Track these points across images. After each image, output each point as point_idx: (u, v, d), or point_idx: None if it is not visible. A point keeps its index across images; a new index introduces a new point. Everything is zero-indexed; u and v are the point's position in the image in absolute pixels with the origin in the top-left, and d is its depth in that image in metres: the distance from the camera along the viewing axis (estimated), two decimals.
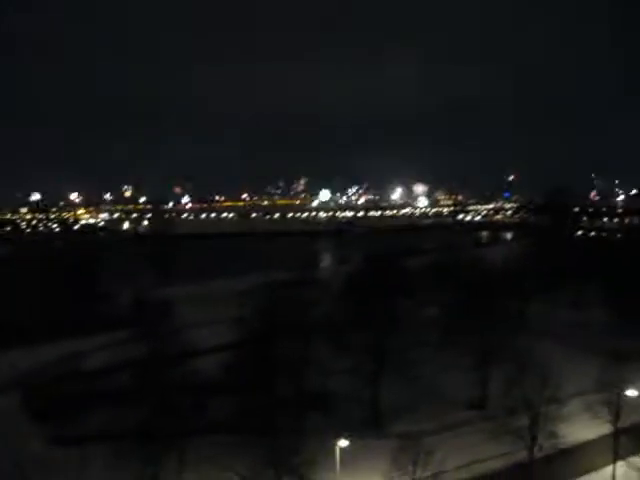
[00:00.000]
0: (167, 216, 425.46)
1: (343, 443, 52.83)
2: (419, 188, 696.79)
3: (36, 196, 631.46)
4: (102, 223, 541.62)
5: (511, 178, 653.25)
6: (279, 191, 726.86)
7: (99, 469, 58.72)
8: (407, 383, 72.55)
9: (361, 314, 77.60)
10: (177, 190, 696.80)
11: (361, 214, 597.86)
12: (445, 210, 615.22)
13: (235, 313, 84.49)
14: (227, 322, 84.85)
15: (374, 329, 73.20)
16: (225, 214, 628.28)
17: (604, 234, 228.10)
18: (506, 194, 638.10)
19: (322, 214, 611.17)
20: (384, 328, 73.32)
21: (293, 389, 68.29)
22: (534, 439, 55.92)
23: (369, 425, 69.12)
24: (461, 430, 68.82)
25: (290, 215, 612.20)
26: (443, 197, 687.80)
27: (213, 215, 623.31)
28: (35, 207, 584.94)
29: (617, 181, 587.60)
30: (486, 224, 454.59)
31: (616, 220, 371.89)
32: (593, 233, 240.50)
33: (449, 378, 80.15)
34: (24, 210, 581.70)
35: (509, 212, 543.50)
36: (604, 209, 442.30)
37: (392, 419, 70.56)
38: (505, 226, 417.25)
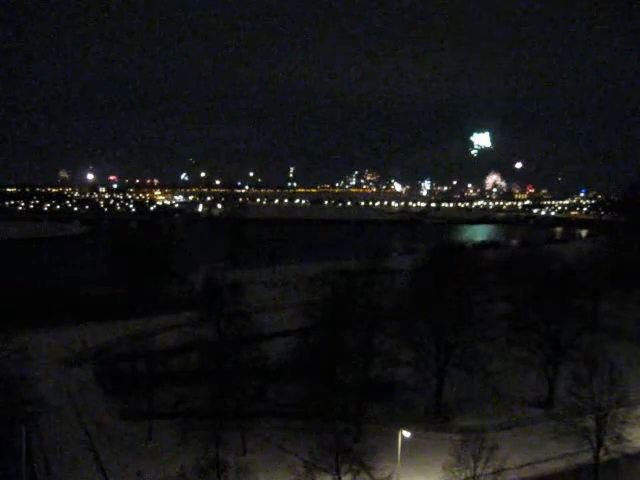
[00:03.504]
0: (241, 200, 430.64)
1: (405, 433, 52.93)
2: (492, 181, 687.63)
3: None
4: (177, 205, 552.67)
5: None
6: (352, 180, 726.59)
7: (164, 445, 60.58)
8: (473, 377, 72.04)
9: (429, 305, 77.17)
10: (250, 175, 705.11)
11: (434, 205, 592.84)
12: (519, 204, 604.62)
13: (304, 299, 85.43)
14: (295, 307, 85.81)
15: (442, 321, 72.71)
16: (298, 200, 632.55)
17: None
18: (583, 190, 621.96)
19: (394, 204, 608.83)
20: (452, 321, 72.72)
21: (357, 377, 68.60)
22: (600, 441, 54.83)
23: (432, 417, 68.98)
24: (526, 428, 67.97)
25: (362, 203, 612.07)
26: (518, 191, 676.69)
27: (286, 201, 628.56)
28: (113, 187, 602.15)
29: None
30: (561, 220, 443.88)
31: None
32: None
33: (516, 374, 79.29)
34: (103, 189, 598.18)
35: (585, 209, 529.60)
36: None
37: (456, 413, 70.22)
38: (580, 222, 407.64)
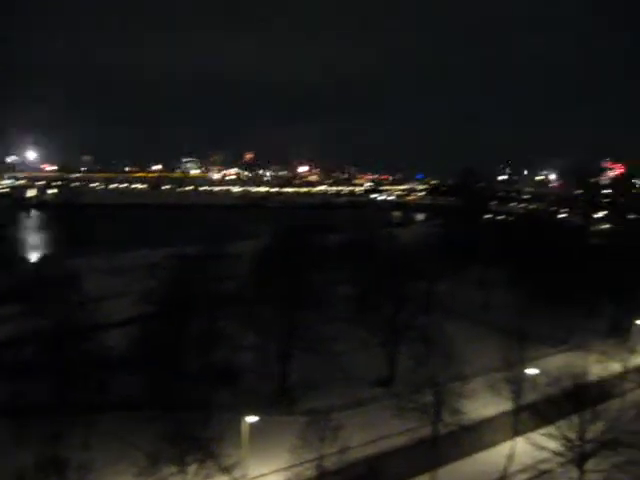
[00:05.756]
0: (76, 184, 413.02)
1: (251, 419, 52.57)
2: (325, 166, 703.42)
3: None
4: (6, 189, 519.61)
5: None
6: (192, 164, 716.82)
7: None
8: (317, 359, 72.91)
9: (271, 289, 77.34)
10: (86, 159, 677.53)
11: (275, 190, 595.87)
12: (359, 189, 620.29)
13: (144, 286, 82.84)
14: (136, 295, 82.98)
15: (284, 305, 73.04)
16: (136, 185, 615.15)
17: (511, 218, 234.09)
18: (419, 175, 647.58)
19: (236, 188, 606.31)
20: (294, 304, 73.24)
21: (201, 364, 67.55)
22: (438, 415, 57.15)
23: (278, 401, 69.09)
24: (368, 407, 69.84)
25: (203, 188, 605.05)
26: (357, 176, 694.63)
27: (124, 185, 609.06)
28: None
29: (526, 171, 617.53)
30: (399, 204, 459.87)
31: (522, 205, 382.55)
32: (501, 217, 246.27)
33: (359, 355, 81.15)
34: None
35: (421, 193, 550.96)
36: (513, 194, 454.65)
37: (301, 395, 70.73)
38: (418, 207, 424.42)
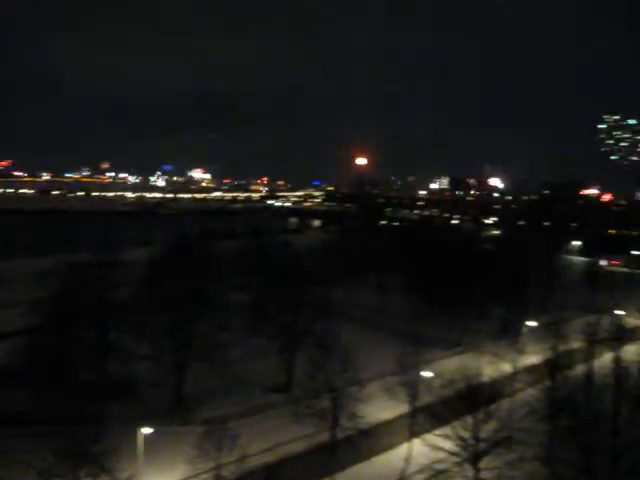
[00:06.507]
0: None
1: (146, 431, 51.16)
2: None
3: None
4: None
5: None
6: (84, 170, 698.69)
7: None
8: (213, 368, 71.67)
9: (165, 298, 75.78)
10: None
11: (170, 196, 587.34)
12: (255, 195, 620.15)
13: (31, 296, 79.46)
14: (22, 306, 79.35)
15: (178, 313, 71.59)
16: (24, 190, 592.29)
17: (406, 224, 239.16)
18: (315, 182, 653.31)
19: (129, 194, 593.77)
20: (189, 312, 71.90)
21: (93, 376, 65.27)
22: (336, 420, 57.37)
23: (174, 412, 67.52)
24: (266, 414, 69.11)
25: (95, 194, 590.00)
26: (253, 182, 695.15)
27: (11, 190, 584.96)
28: None
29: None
30: (296, 210, 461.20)
31: (417, 212, 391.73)
32: (396, 223, 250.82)
33: (256, 362, 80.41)
34: None
35: (318, 200, 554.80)
36: (405, 201, 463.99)
37: (198, 405, 69.28)
38: (314, 213, 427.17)
